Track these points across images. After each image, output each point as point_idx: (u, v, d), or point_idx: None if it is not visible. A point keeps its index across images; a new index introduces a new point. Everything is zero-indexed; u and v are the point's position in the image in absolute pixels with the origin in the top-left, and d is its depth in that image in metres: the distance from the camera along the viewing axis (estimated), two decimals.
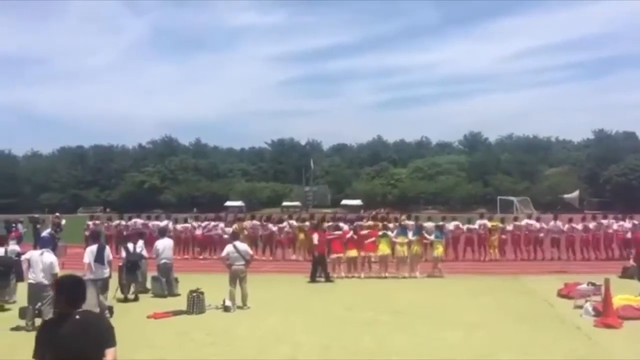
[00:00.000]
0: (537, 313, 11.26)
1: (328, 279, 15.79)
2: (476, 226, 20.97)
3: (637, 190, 77.29)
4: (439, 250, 17.06)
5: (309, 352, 8.48)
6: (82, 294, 4.16)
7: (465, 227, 20.85)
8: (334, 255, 16.65)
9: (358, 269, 16.74)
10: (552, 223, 21.21)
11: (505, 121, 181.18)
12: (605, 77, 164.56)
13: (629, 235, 20.14)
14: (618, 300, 10.70)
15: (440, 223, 19.06)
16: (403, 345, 8.86)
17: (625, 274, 15.44)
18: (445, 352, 8.43)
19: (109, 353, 3.96)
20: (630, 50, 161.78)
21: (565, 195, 51.00)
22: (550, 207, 44.98)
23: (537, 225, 21.27)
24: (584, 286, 11.98)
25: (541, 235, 20.86)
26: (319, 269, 15.85)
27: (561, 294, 12.87)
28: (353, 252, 16.65)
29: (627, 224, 20.65)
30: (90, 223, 22.93)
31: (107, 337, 4.02)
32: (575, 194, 51.81)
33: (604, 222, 20.83)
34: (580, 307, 11.19)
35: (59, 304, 4.16)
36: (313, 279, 15.76)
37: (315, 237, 16.42)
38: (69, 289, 4.10)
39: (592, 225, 20.69)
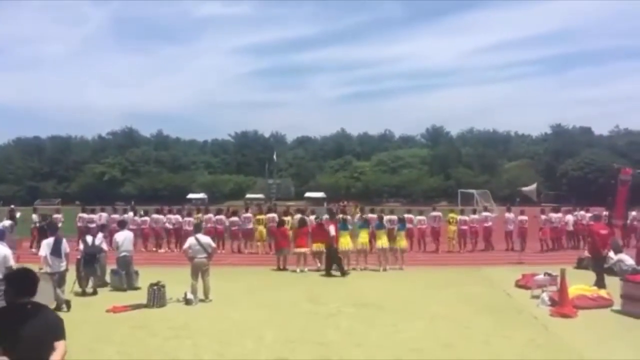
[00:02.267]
0: (496, 303, 11.50)
1: (343, 273, 15.45)
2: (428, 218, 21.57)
3: (592, 184, 79.72)
4: (401, 243, 17.14)
5: (273, 345, 8.44)
6: (32, 286, 4.16)
7: (416, 218, 21.04)
8: (298, 250, 16.50)
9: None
10: (507, 215, 21.80)
11: (467, 115, 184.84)
12: (564, 73, 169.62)
13: (570, 227, 21.47)
14: (573, 290, 11.02)
15: (402, 216, 19.18)
16: (367, 336, 8.91)
17: (580, 264, 15.95)
18: (409, 342, 8.51)
19: (59, 345, 3.95)
20: (588, 47, 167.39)
21: (524, 188, 52.06)
22: (509, 200, 45.94)
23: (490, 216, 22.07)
24: (540, 277, 12.29)
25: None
26: (334, 262, 15.56)
27: (519, 285, 13.19)
28: (320, 246, 16.38)
29: (569, 217, 21.55)
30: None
31: (58, 329, 4.03)
32: (533, 187, 52.95)
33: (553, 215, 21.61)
34: (537, 297, 11.49)
35: (8, 296, 4.18)
36: (329, 273, 15.48)
37: (332, 229, 16.21)
38: (18, 281, 4.12)
39: (543, 217, 21.40)
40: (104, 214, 22.83)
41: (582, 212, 22.20)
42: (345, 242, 16.40)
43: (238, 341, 8.65)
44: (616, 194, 22.01)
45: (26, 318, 3.88)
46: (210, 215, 21.89)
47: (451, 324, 9.73)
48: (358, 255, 16.78)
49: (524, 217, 21.39)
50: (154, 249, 21.59)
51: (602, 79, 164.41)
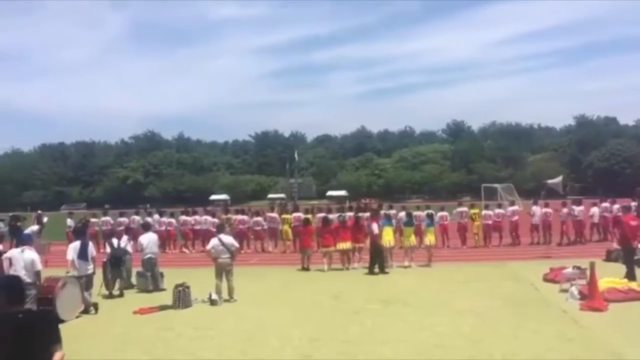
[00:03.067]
0: (524, 298, 11.32)
1: (383, 271, 15.32)
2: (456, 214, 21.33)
3: (618, 175, 78.36)
4: (430, 239, 16.98)
5: (298, 343, 8.43)
6: (21, 293, 4.06)
7: (439, 215, 20.75)
8: (324, 249, 16.40)
9: (351, 260, 16.48)
10: (534, 208, 21.42)
11: (488, 109, 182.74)
12: (586, 63, 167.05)
13: (595, 220, 21.06)
14: (603, 283, 10.80)
15: (430, 212, 19.00)
16: (392, 333, 8.84)
17: (609, 257, 15.62)
18: (435, 338, 8.43)
19: (56, 356, 3.78)
20: (609, 36, 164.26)
21: (549, 181, 51.28)
22: (534, 194, 45.27)
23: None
24: (569, 270, 12.06)
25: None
26: (378, 259, 15.44)
27: (547, 279, 12.98)
28: (347, 244, 16.34)
29: (595, 209, 21.24)
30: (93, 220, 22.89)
31: (52, 337, 3.85)
32: (559, 179, 52.11)
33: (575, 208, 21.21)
34: (566, 291, 11.27)
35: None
36: (372, 271, 15.33)
37: (375, 227, 16.09)
38: (6, 288, 3.96)
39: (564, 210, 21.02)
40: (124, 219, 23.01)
41: (607, 204, 21.73)
42: (387, 238, 16.37)
43: (263, 340, 8.66)
44: None
45: (19, 328, 3.71)
46: (241, 216, 22.06)
47: (478, 319, 9.60)
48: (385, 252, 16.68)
49: (549, 210, 21.02)
50: (185, 250, 21.76)
51: (625, 67, 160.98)
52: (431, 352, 7.79)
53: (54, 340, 3.84)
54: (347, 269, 16.13)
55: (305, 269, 16.26)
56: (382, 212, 18.51)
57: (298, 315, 10.39)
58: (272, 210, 22.48)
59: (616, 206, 21.16)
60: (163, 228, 21.56)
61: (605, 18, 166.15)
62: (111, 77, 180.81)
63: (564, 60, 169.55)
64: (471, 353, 7.72)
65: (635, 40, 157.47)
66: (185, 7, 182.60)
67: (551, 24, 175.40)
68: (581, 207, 21.30)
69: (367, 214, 18.62)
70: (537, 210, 21.13)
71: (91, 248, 11.46)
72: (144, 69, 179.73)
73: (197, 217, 22.33)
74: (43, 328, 3.85)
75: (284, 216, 21.19)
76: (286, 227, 20.72)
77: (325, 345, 8.31)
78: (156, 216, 22.86)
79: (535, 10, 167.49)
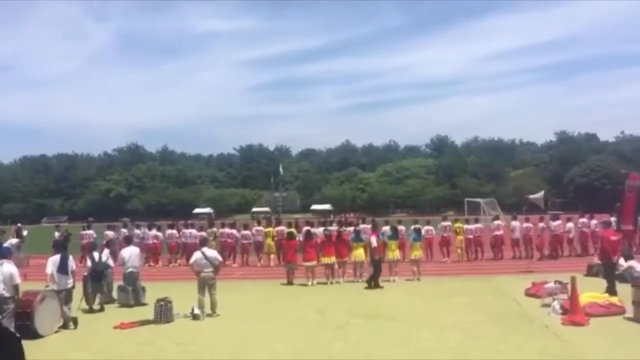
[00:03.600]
0: (506, 312, 11.37)
1: (377, 285, 15.18)
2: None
3: (598, 190, 79.30)
4: (416, 254, 16.96)
5: (281, 358, 8.37)
6: None
7: (425, 228, 20.84)
8: (307, 263, 16.32)
9: (335, 274, 16.44)
10: (513, 223, 21.66)
11: (471, 124, 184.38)
12: (568, 80, 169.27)
13: (571, 234, 21.63)
14: (585, 298, 10.89)
15: (418, 226, 19.03)
16: (376, 348, 8.81)
17: (590, 271, 15.79)
18: (420, 353, 8.42)
19: None
20: (591, 54, 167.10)
21: (531, 196, 51.85)
22: (516, 209, 45.73)
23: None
24: (551, 285, 12.15)
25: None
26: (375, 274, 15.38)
27: (529, 293, 13.05)
28: (331, 259, 16.33)
29: (570, 224, 21.73)
30: (84, 233, 22.42)
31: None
32: (540, 194, 52.71)
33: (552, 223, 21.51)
34: (548, 305, 11.35)
35: None
36: (370, 285, 15.20)
37: (374, 240, 16.06)
38: None
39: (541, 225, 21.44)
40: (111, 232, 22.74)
41: (585, 220, 22.04)
42: (358, 254, 16.59)
43: (246, 355, 8.58)
44: (624, 200, 21.76)
45: None
46: (230, 230, 22.00)
47: (462, 334, 9.61)
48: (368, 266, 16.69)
49: (530, 225, 21.25)
50: (171, 264, 21.60)
51: (605, 85, 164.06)
52: None
53: None
54: (332, 283, 16.09)
55: (290, 283, 16.18)
56: (389, 226, 18.46)
57: (282, 329, 10.32)
58: (258, 224, 22.47)
59: (594, 221, 21.56)
60: (151, 242, 21.56)
61: (588, 36, 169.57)
62: (95, 90, 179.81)
63: (546, 77, 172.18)
64: None
65: (615, 58, 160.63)
66: (172, 20, 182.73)
67: (534, 41, 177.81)
68: (558, 222, 21.56)
69: (351, 229, 18.68)
70: (517, 225, 21.37)
71: (71, 261, 11.29)
72: (129, 81, 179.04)
73: (185, 230, 22.15)
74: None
75: (267, 229, 21.16)
76: (269, 240, 20.69)
77: (310, 359, 8.24)
78: (145, 229, 22.68)
79: (519, 27, 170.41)
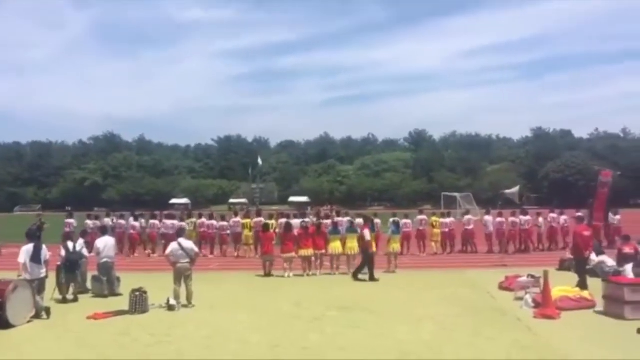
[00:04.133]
0: (480, 306, 11.52)
1: (372, 278, 15.18)
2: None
3: (572, 186, 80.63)
4: (395, 247, 17.07)
5: (257, 350, 8.36)
6: None
7: (404, 222, 21.01)
8: (285, 255, 16.30)
9: (312, 267, 16.48)
10: (486, 218, 22.05)
11: (449, 119, 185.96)
12: (545, 77, 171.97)
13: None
14: (556, 292, 11.08)
15: (397, 219, 19.12)
16: (351, 340, 8.86)
17: (562, 266, 16.08)
18: (394, 345, 8.48)
19: None
20: (568, 52, 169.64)
21: (506, 191, 52.43)
22: (491, 203, 46.17)
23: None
24: (524, 279, 12.35)
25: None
26: (366, 266, 15.38)
27: (502, 287, 13.24)
28: (309, 251, 16.37)
29: (540, 219, 22.22)
30: (68, 222, 22.44)
31: None
32: (516, 189, 53.25)
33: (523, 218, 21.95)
34: (521, 299, 11.54)
35: None
36: (356, 277, 15.31)
37: (367, 233, 15.90)
38: None
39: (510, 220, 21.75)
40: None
41: (555, 215, 22.49)
42: (335, 247, 16.66)
43: (222, 346, 8.56)
44: (596, 197, 22.20)
45: None
46: (209, 220, 21.96)
47: (436, 326, 9.72)
48: (348, 259, 16.78)
49: (503, 219, 21.59)
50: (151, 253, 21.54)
51: (581, 83, 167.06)
52: (391, 359, 7.83)
53: None
54: (309, 275, 16.12)
55: (267, 275, 16.16)
56: (393, 219, 18.38)
57: (258, 321, 10.31)
58: (235, 215, 22.45)
59: (564, 217, 22.02)
60: (135, 232, 21.76)
61: (565, 34, 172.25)
62: (72, 78, 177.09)
63: (524, 74, 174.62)
64: None
65: (591, 56, 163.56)
66: (151, 8, 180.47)
67: (513, 38, 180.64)
68: (527, 217, 21.94)
69: (329, 221, 18.72)
70: (490, 219, 21.71)
71: (45, 251, 11.13)
72: (107, 70, 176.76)
73: (167, 221, 22.04)
74: None
75: (244, 221, 21.12)
76: (247, 231, 20.67)
77: (285, 351, 8.27)
78: (131, 219, 22.50)
79: (498, 24, 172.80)
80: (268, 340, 8.82)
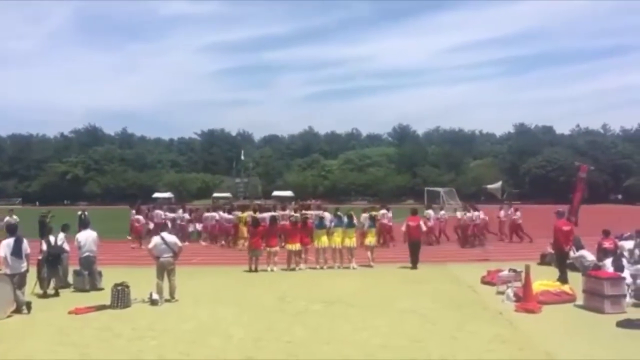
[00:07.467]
0: (462, 299, 11.62)
1: (415, 266, 16.10)
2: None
3: (553, 182, 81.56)
4: (371, 239, 17.24)
5: (240, 344, 8.35)
6: None
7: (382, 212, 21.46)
8: (270, 249, 16.17)
9: (298, 261, 16.40)
10: (458, 213, 23.02)
11: (433, 114, 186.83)
12: (528, 73, 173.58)
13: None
14: (537, 285, 11.22)
15: (372, 213, 19.29)
16: (335, 333, 8.89)
17: (543, 260, 16.29)
18: (377, 338, 8.53)
19: None
20: (550, 48, 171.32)
21: (489, 186, 52.97)
22: (474, 198, 46.69)
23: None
24: (505, 273, 12.49)
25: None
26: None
27: (484, 281, 13.37)
28: (296, 246, 16.32)
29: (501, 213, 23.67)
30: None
31: None
32: (498, 185, 53.87)
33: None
34: (502, 293, 11.67)
35: None
36: (415, 266, 16.16)
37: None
38: None
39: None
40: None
41: (512, 210, 23.83)
42: (323, 241, 16.71)
43: (205, 341, 8.53)
44: (574, 191, 22.60)
45: None
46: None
47: (419, 320, 9.79)
48: (333, 253, 16.86)
49: (477, 214, 22.03)
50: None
51: (563, 79, 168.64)
52: (374, 353, 7.87)
53: None
54: (293, 269, 16.12)
55: (253, 270, 16.07)
56: (368, 214, 18.93)
57: (241, 315, 10.29)
58: (229, 212, 23.05)
59: (519, 213, 23.51)
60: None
61: (547, 31, 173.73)
62: (54, 70, 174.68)
63: (507, 70, 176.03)
64: (412, 353, 7.86)
65: (573, 53, 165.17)
66: (136, 1, 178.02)
67: (496, 35, 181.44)
68: (478, 213, 22.62)
69: (314, 213, 18.86)
70: (431, 213, 22.90)
71: (25, 245, 10.99)
72: (89, 63, 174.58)
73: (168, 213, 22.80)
74: None
75: (240, 215, 21.52)
76: (242, 225, 21.00)
77: (269, 345, 8.27)
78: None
79: (482, 21, 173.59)
80: (251, 335, 8.81)
